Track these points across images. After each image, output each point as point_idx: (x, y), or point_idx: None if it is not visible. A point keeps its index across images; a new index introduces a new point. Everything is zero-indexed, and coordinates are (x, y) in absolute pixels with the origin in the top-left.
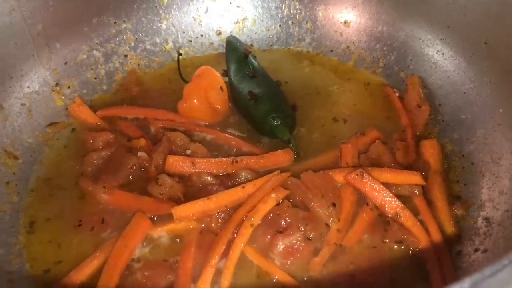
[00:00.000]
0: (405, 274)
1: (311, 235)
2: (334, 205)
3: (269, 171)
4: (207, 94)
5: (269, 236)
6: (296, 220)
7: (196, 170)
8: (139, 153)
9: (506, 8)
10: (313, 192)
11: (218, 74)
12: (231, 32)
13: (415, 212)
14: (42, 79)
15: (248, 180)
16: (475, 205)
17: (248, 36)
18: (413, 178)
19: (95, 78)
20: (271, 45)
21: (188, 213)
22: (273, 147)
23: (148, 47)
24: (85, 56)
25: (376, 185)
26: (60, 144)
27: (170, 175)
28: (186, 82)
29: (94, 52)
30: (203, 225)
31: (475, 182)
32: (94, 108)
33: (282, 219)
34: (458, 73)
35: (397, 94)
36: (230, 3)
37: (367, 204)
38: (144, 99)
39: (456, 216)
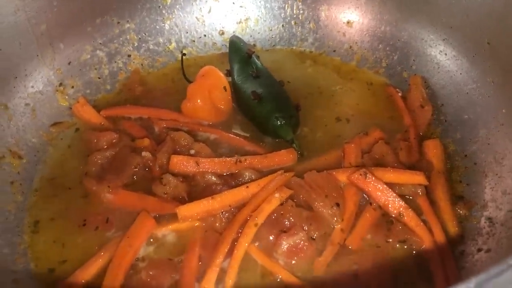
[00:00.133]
0: (408, 273)
1: (315, 235)
2: (337, 205)
3: (273, 171)
4: (210, 94)
5: (273, 236)
6: (300, 220)
7: (200, 170)
8: (143, 153)
9: (509, 8)
10: (317, 192)
11: (221, 74)
12: (234, 32)
13: (418, 212)
14: (46, 79)
15: (252, 180)
16: (478, 205)
17: (251, 36)
18: (416, 178)
19: (99, 78)
20: (274, 45)
21: (192, 212)
22: (276, 147)
23: (151, 47)
24: (89, 56)
25: (379, 185)
26: (64, 144)
27: (174, 174)
28: (190, 82)
29: (98, 52)
30: (207, 225)
31: (478, 182)
32: (97, 108)
33: (286, 218)
34: (461, 73)
35: (400, 94)
36: (233, 3)
37: (371, 204)
38: (148, 99)
39: (459, 216)
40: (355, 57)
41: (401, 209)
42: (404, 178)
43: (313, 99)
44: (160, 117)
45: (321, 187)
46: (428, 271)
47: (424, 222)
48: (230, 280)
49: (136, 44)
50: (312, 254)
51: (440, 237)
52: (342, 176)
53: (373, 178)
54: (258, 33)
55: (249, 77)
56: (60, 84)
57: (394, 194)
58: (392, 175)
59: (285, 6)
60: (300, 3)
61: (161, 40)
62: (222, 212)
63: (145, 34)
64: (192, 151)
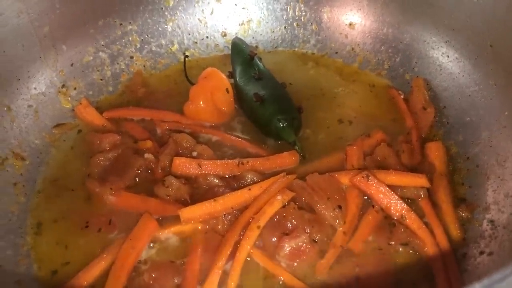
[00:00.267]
0: (410, 276)
1: (317, 237)
2: (340, 207)
3: (275, 173)
4: (213, 96)
5: (275, 238)
6: (302, 222)
7: (202, 172)
8: (146, 155)
9: None
10: (319, 194)
11: (224, 76)
12: (236, 33)
13: (421, 215)
14: (49, 80)
15: (254, 182)
16: (480, 208)
17: (253, 37)
18: (419, 180)
19: (101, 80)
20: (276, 47)
21: (195, 215)
22: (278, 149)
23: (153, 48)
24: (91, 58)
25: (381, 188)
26: (67, 145)
27: (176, 177)
28: (192, 84)
29: (100, 53)
30: (209, 227)
31: (480, 185)
32: (100, 109)
33: (288, 221)
34: (463, 76)
35: (402, 96)
36: (236, 4)
37: (373, 207)
38: (150, 100)
39: (461, 218)
40: (357, 59)
41: (403, 211)
42: (406, 180)
43: (315, 101)
44: (163, 119)
45: (323, 189)
46: (430, 274)
47: (426, 224)
48: (233, 282)
49: (138, 45)
50: (314, 257)
51: (442, 239)
52: (344, 179)
53: (375, 180)
54: (260, 34)
55: (251, 79)
56: (63, 86)
57: (396, 197)
58: (394, 178)
59: (287, 8)
60: (302, 5)
61: (163, 41)
62: (224, 215)
63: (147, 35)
64: (195, 153)
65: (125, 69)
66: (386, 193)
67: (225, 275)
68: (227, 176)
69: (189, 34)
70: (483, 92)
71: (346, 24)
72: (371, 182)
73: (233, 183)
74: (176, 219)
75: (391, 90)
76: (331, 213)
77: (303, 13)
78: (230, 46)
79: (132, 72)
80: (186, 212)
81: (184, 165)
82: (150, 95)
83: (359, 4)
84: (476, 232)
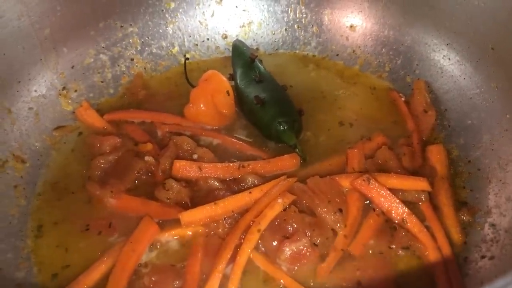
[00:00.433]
0: (411, 280)
1: (318, 241)
2: (340, 210)
3: (276, 176)
4: (213, 99)
5: (276, 242)
6: (303, 226)
7: (203, 175)
8: (146, 158)
9: None
10: (320, 198)
11: (224, 78)
12: (237, 36)
13: (422, 218)
14: (49, 83)
15: (255, 185)
16: (481, 211)
17: (254, 40)
18: (420, 184)
19: (102, 82)
20: (277, 49)
21: (195, 218)
22: (279, 151)
23: (154, 50)
24: (92, 60)
25: (382, 191)
26: (67, 148)
27: (177, 179)
28: (193, 86)
29: (101, 55)
30: (210, 230)
31: (482, 188)
32: (100, 111)
33: (289, 224)
34: (464, 78)
35: (403, 99)
36: (236, 7)
37: (374, 210)
38: (151, 103)
39: (463, 222)
40: (358, 61)
41: (404, 215)
42: (407, 184)
43: (316, 103)
44: (163, 121)
45: (324, 192)
46: (431, 278)
47: (428, 228)
48: (233, 286)
49: (139, 48)
50: (315, 260)
51: (443, 243)
52: (345, 182)
53: (376, 184)
54: (261, 37)
55: (252, 81)
56: (63, 88)
57: (398, 200)
58: (395, 181)
59: (288, 10)
60: (303, 7)
61: (164, 44)
62: (225, 218)
63: (148, 38)
64: (195, 156)
65: (126, 71)
66: (387, 196)
67: (225, 278)
68: (227, 179)
69: (190, 36)
70: (484, 95)
71: (347, 26)
72: (372, 185)
73: (234, 186)
74: (177, 222)
75: (392, 93)
76: (332, 217)
77: (304, 15)
78: (230, 48)
79: (132, 74)
80: (187, 216)
81: (184, 168)
82: (151, 97)
83: (360, 6)
84: (477, 236)
